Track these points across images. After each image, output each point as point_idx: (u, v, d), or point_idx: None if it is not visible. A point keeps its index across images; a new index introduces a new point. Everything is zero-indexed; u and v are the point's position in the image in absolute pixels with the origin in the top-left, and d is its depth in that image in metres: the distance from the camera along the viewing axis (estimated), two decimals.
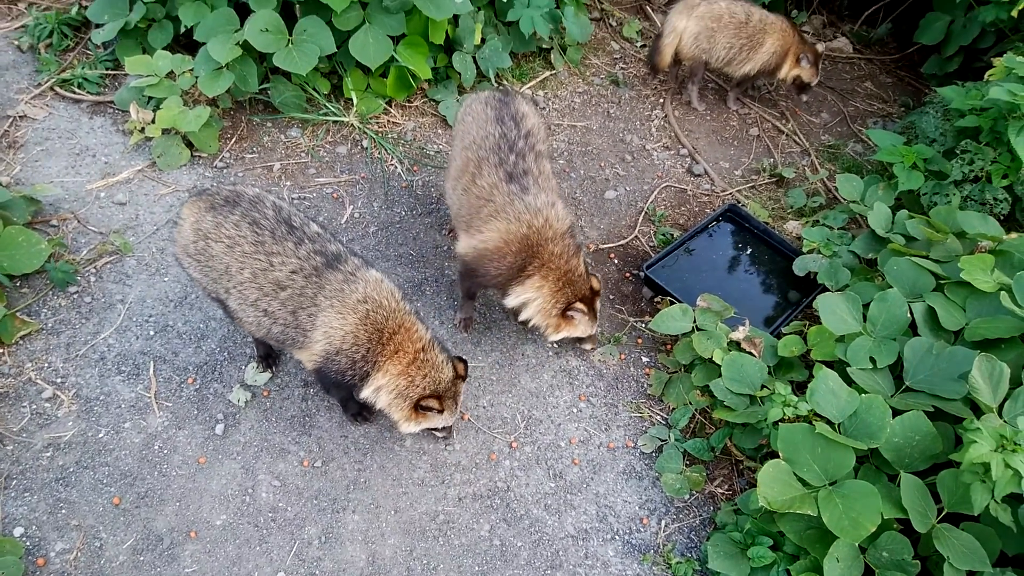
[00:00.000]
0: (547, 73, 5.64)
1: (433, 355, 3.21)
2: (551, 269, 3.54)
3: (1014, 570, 2.89)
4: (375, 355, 3.11)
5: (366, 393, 3.19)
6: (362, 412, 3.65)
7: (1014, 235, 4.02)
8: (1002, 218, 4.40)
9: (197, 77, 4.65)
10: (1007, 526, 2.89)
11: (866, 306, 3.71)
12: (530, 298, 3.60)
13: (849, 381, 3.44)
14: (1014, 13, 4.76)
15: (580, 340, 3.93)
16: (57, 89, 4.93)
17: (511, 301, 3.65)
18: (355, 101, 4.98)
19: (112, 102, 4.90)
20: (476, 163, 3.59)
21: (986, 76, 4.69)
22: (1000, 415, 3.08)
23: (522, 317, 3.69)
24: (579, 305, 3.60)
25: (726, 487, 3.66)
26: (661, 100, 5.65)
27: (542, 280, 3.55)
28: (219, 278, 3.14)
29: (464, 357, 3.36)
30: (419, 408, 3.19)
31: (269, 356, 3.81)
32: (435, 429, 3.41)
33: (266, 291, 3.07)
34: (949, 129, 4.78)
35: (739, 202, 4.93)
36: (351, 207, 4.60)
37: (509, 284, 3.59)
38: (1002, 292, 3.42)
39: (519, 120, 3.71)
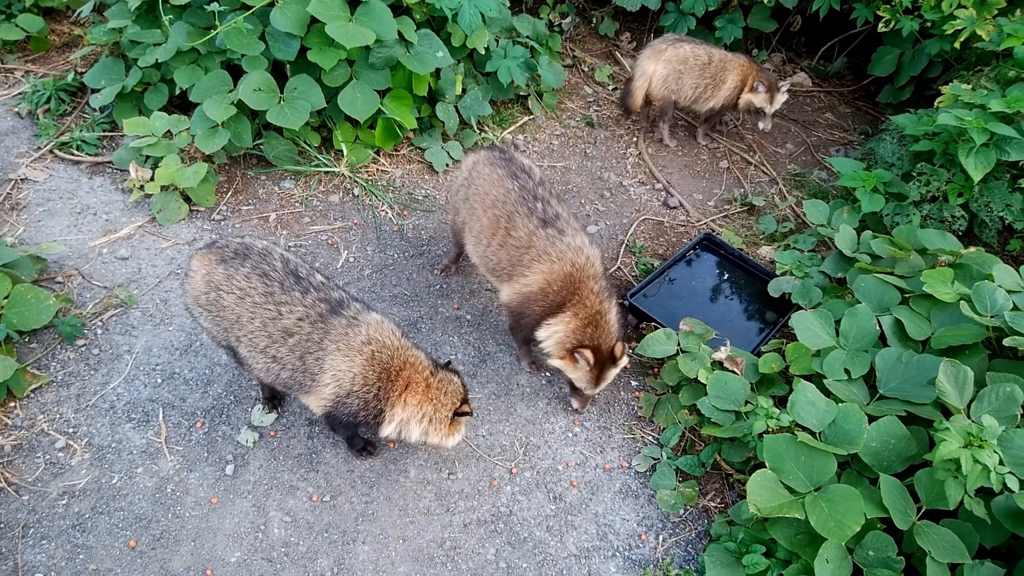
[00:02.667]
0: (525, 118, 5.93)
1: (440, 375, 3.42)
2: (584, 307, 3.64)
3: (993, 561, 3.07)
4: (386, 392, 3.30)
5: (388, 430, 3.37)
6: (366, 448, 3.80)
7: (972, 249, 4.30)
8: (960, 233, 4.71)
9: (194, 136, 4.87)
10: (983, 520, 3.08)
11: (838, 322, 3.96)
12: (556, 330, 3.69)
13: (827, 392, 3.66)
14: (957, 44, 5.14)
15: (572, 388, 3.93)
16: (56, 152, 5.13)
17: (541, 333, 3.75)
18: (345, 152, 5.22)
19: (111, 162, 5.11)
20: (507, 218, 3.76)
21: (936, 103, 5.05)
22: (968, 415, 3.30)
23: (541, 345, 3.79)
24: (587, 353, 3.61)
25: (718, 500, 3.82)
26: (634, 139, 5.95)
27: (572, 316, 3.65)
28: (230, 327, 3.30)
29: (450, 360, 3.67)
30: (455, 419, 3.44)
31: (274, 398, 3.95)
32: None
33: (275, 338, 3.24)
34: (905, 154, 5.11)
35: (713, 231, 5.19)
36: (346, 252, 4.80)
37: (545, 318, 3.70)
38: (962, 302, 3.68)
39: (529, 171, 3.93)
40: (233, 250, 3.32)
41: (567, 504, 3.75)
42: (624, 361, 3.79)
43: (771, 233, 5.19)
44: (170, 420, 3.88)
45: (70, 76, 5.51)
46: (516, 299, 3.79)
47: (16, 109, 5.37)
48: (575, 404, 4.02)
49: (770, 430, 3.50)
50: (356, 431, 3.64)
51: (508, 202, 3.79)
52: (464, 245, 4.18)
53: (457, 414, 3.43)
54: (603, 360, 3.68)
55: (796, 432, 3.37)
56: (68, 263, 4.50)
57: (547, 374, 4.28)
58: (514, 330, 4.05)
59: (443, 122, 5.45)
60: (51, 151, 5.14)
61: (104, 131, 5.32)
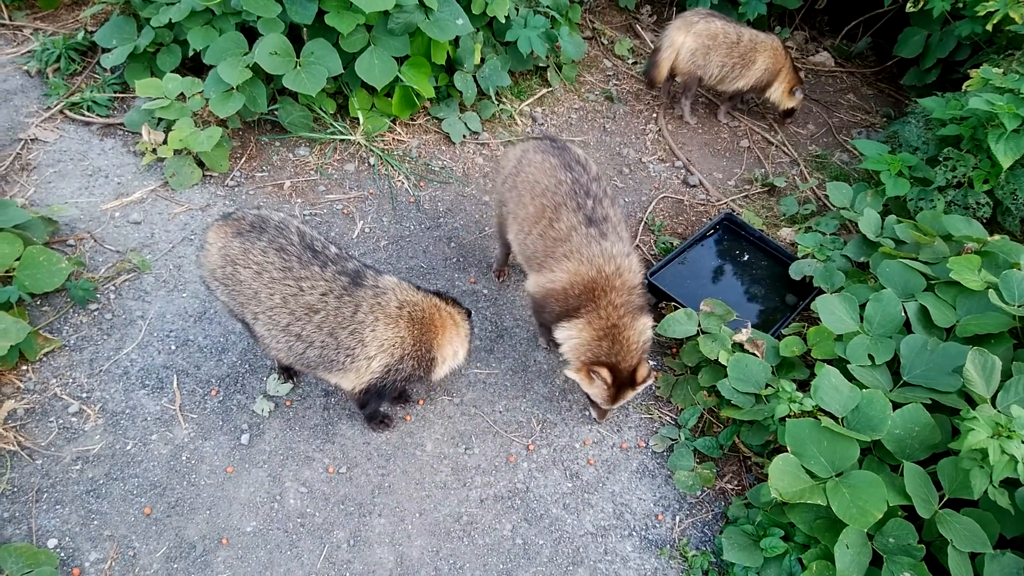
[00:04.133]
0: (544, 90, 5.82)
1: (448, 305, 3.48)
2: (599, 317, 3.44)
3: (1013, 551, 3.06)
4: (430, 341, 3.36)
5: (442, 371, 3.52)
6: (384, 420, 3.78)
7: (997, 237, 4.24)
8: (984, 221, 4.64)
9: (208, 99, 4.76)
10: (1005, 510, 3.06)
11: (862, 307, 3.91)
12: (570, 335, 3.53)
13: (849, 377, 3.62)
14: (989, 27, 5.02)
15: (590, 400, 3.74)
16: (67, 112, 5.03)
17: (557, 334, 3.61)
18: (361, 120, 5.12)
19: (122, 124, 5.00)
20: (553, 208, 3.58)
21: (964, 87, 4.95)
22: (994, 405, 3.27)
23: (560, 349, 3.64)
24: (604, 373, 3.42)
25: (735, 483, 3.80)
26: (654, 115, 5.85)
27: (586, 324, 3.46)
28: (247, 303, 3.22)
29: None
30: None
31: (290, 368, 3.91)
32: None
33: (298, 315, 3.16)
34: (931, 138, 5.02)
35: (734, 211, 5.12)
36: (361, 222, 4.73)
37: (561, 320, 3.57)
38: (990, 290, 3.62)
39: (585, 165, 3.74)
40: (250, 223, 3.23)
41: (584, 482, 3.73)
42: (648, 383, 3.56)
43: (792, 215, 5.12)
44: (184, 387, 3.84)
45: (80, 35, 5.38)
46: (539, 292, 3.67)
47: (25, 68, 5.25)
48: (593, 414, 3.91)
49: (792, 414, 3.47)
50: (382, 403, 3.60)
51: (558, 193, 3.59)
52: (508, 235, 3.98)
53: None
54: (621, 380, 3.47)
55: (819, 416, 3.34)
56: (80, 226, 4.43)
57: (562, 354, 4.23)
58: (536, 314, 3.95)
59: (461, 92, 5.34)
60: (61, 111, 5.04)
61: (115, 92, 5.21)
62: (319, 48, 4.74)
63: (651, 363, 4.27)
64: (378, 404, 3.59)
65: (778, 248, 4.77)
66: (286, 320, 3.17)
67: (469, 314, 3.61)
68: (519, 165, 3.84)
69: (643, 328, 3.54)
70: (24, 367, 3.81)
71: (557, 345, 3.67)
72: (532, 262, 3.71)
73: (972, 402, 3.38)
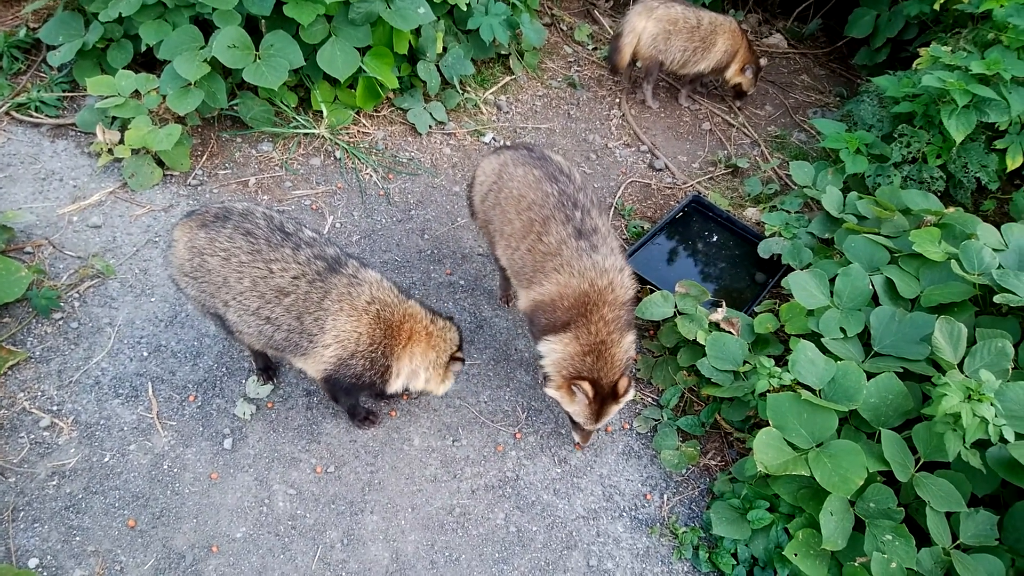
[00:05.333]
0: (507, 78, 5.81)
1: (439, 323, 3.41)
2: (588, 332, 3.33)
3: (985, 508, 3.22)
4: (391, 347, 3.26)
5: (397, 385, 3.35)
6: (368, 417, 3.74)
7: (952, 209, 4.41)
8: (938, 195, 4.82)
9: (164, 96, 4.61)
10: (976, 470, 3.21)
11: (831, 281, 4.03)
12: (554, 349, 3.42)
13: (824, 351, 3.73)
14: (936, 6, 5.20)
15: (572, 422, 3.63)
16: (13, 114, 4.81)
17: (540, 347, 3.49)
18: (325, 113, 5.03)
19: (74, 124, 4.81)
20: (541, 222, 3.45)
21: (914, 65, 5.11)
22: (961, 370, 3.42)
23: (541, 362, 3.51)
24: (585, 385, 3.28)
25: (718, 459, 3.90)
26: (617, 100, 5.90)
27: (573, 339, 3.35)
28: (217, 291, 3.17)
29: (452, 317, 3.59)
30: (449, 365, 3.43)
31: (268, 368, 3.84)
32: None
33: (268, 298, 3.13)
34: (885, 115, 5.18)
35: (700, 193, 5.20)
36: (331, 217, 4.66)
37: (546, 333, 3.45)
38: (952, 261, 3.78)
39: (570, 175, 3.63)
40: (213, 214, 3.20)
41: (572, 467, 3.77)
42: (629, 396, 3.43)
43: (756, 195, 5.23)
44: (160, 394, 3.74)
45: (22, 32, 5.14)
46: (529, 306, 3.55)
47: None
48: (576, 438, 3.72)
49: (772, 389, 3.56)
50: (358, 398, 3.57)
51: (545, 206, 3.47)
52: (496, 252, 3.84)
53: (452, 359, 3.44)
54: (603, 395, 3.35)
55: (797, 390, 3.44)
56: (36, 232, 4.25)
57: None
58: (531, 330, 3.76)
59: (424, 82, 5.29)
60: (7, 113, 4.81)
61: (64, 91, 5.00)
62: (278, 40, 4.63)
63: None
64: (351, 400, 3.56)
65: (745, 228, 4.87)
66: (256, 304, 3.14)
67: (462, 360, 3.50)
68: (500, 180, 3.69)
69: (628, 346, 3.47)
70: None
71: (538, 359, 3.55)
72: (521, 278, 3.59)
73: (940, 369, 3.52)
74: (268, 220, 3.20)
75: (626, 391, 3.39)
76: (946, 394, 3.11)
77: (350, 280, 3.19)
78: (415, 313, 3.35)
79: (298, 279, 3.11)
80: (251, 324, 3.20)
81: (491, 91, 5.70)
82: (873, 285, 3.96)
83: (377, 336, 3.21)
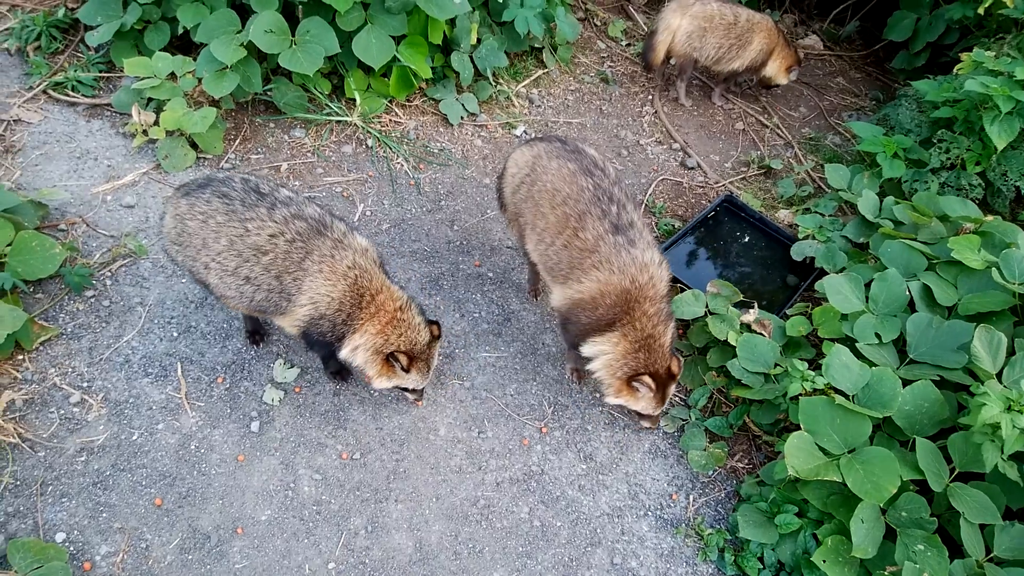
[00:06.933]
0: (540, 72, 5.78)
1: (410, 315, 3.35)
2: (635, 329, 3.36)
3: (1021, 522, 3.15)
4: (355, 318, 3.26)
5: (344, 353, 3.34)
6: (341, 371, 3.79)
7: (991, 218, 4.33)
8: (975, 202, 4.73)
9: (200, 78, 4.63)
10: (1012, 482, 3.14)
11: (866, 286, 3.97)
12: (603, 350, 3.43)
13: (858, 356, 3.67)
14: (981, 10, 5.10)
15: (640, 415, 3.69)
16: (50, 92, 4.84)
17: (586, 350, 3.48)
18: (358, 101, 5.02)
19: (110, 105, 4.84)
20: (577, 217, 3.41)
21: (955, 70, 5.02)
22: (999, 380, 3.35)
23: (590, 367, 3.52)
24: (647, 379, 3.35)
25: (746, 461, 3.85)
26: (650, 97, 5.84)
27: (621, 337, 3.37)
28: (197, 254, 3.24)
29: (437, 321, 3.48)
30: (388, 361, 3.31)
31: (256, 332, 3.90)
32: (405, 389, 3.53)
33: (246, 257, 3.17)
34: (924, 120, 5.10)
35: (732, 193, 5.15)
36: (362, 205, 4.65)
37: (591, 334, 3.44)
38: (992, 269, 3.70)
39: (604, 168, 3.59)
40: (196, 184, 3.30)
41: (598, 463, 3.74)
42: (681, 371, 3.54)
43: (789, 196, 5.17)
44: (189, 375, 3.75)
45: (61, 12, 5.16)
46: (565, 304, 3.53)
47: (5, 45, 5.03)
48: (646, 424, 3.77)
49: (804, 392, 3.51)
50: (332, 351, 3.47)
51: (581, 201, 3.43)
52: (527, 246, 3.80)
53: (389, 356, 3.30)
54: (662, 381, 3.43)
55: (830, 394, 3.38)
56: (71, 210, 4.28)
57: None
58: (564, 332, 3.78)
59: (458, 73, 5.26)
60: (44, 91, 4.84)
61: (100, 71, 5.02)
62: (315, 26, 4.63)
63: None
64: (323, 351, 3.56)
65: (778, 229, 4.81)
66: (234, 263, 3.19)
67: (399, 363, 3.30)
68: (533, 173, 3.65)
69: (672, 333, 3.53)
70: (20, 356, 3.68)
71: (586, 361, 3.55)
72: (556, 274, 3.56)
73: (977, 378, 3.45)
74: (244, 183, 3.27)
75: (680, 368, 3.52)
76: (986, 403, 3.04)
77: (335, 244, 3.22)
78: (391, 289, 3.34)
79: (275, 237, 3.15)
80: (232, 286, 3.25)
81: (523, 84, 5.67)
82: (909, 291, 3.90)
83: (346, 303, 3.23)
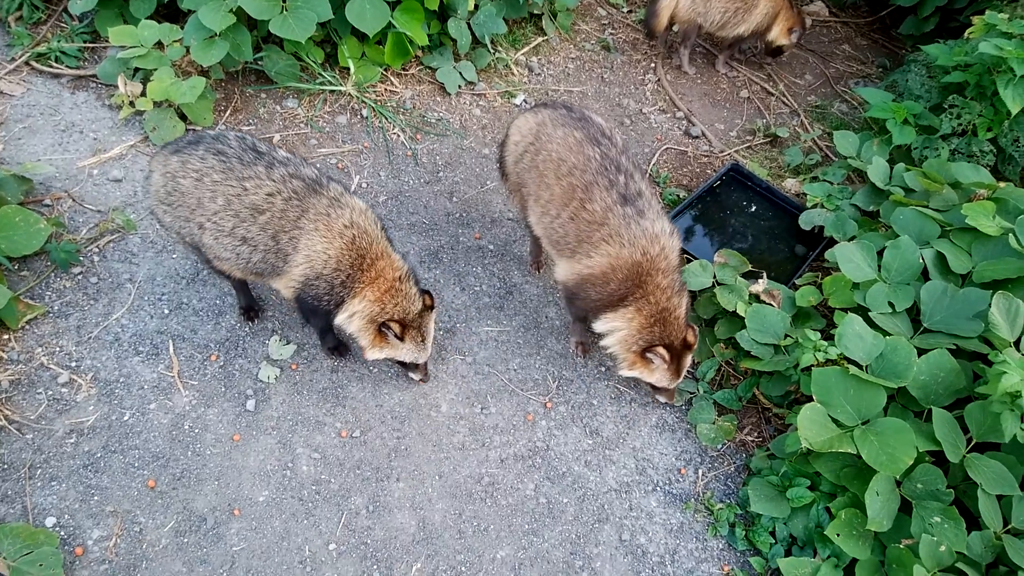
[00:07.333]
0: (540, 39, 5.60)
1: (408, 286, 3.25)
2: (649, 303, 3.27)
3: None
4: (354, 281, 3.15)
5: (340, 319, 3.23)
6: (338, 347, 3.68)
7: (1003, 184, 4.21)
8: (987, 169, 4.61)
9: (188, 47, 4.46)
10: None
11: (878, 254, 3.85)
12: (617, 327, 3.35)
13: (871, 325, 3.57)
14: None
15: (655, 388, 3.61)
16: (33, 64, 4.66)
17: (599, 326, 3.41)
18: (352, 69, 4.86)
19: (95, 76, 4.66)
20: (584, 188, 3.28)
21: (966, 34, 4.87)
22: (1017, 348, 3.25)
23: (604, 343, 3.46)
24: (661, 350, 3.27)
25: (755, 434, 3.76)
26: (652, 65, 5.68)
27: (635, 312, 3.29)
28: (191, 214, 3.12)
29: (429, 290, 3.35)
30: (381, 331, 3.21)
31: (251, 308, 3.79)
32: (403, 364, 3.43)
33: (243, 216, 3.06)
34: (934, 86, 4.96)
35: (738, 162, 5.01)
36: (358, 177, 4.51)
37: (603, 310, 3.35)
38: (1009, 235, 3.59)
39: (611, 137, 3.45)
40: (186, 140, 3.17)
41: (604, 438, 3.64)
42: (696, 341, 3.44)
43: (796, 165, 5.03)
44: (181, 353, 3.63)
45: None
46: (573, 279, 3.42)
47: None
48: (662, 399, 3.71)
49: (817, 363, 3.41)
50: (327, 322, 3.38)
51: (588, 171, 3.28)
52: (530, 219, 3.67)
53: (381, 326, 3.19)
54: (677, 352, 3.35)
55: (844, 364, 3.28)
56: (56, 185, 4.13)
57: None
58: (568, 305, 3.68)
59: (455, 40, 5.09)
60: (27, 63, 4.66)
61: (85, 42, 4.84)
62: None
63: None
64: (320, 323, 3.46)
65: (785, 198, 4.69)
66: (231, 223, 3.08)
67: (405, 326, 3.23)
68: (538, 141, 3.49)
69: (687, 304, 3.44)
70: (5, 336, 3.55)
71: (598, 338, 3.46)
72: (562, 247, 3.44)
73: (993, 347, 3.36)
74: (240, 141, 3.15)
75: (696, 338, 3.42)
76: (1006, 372, 2.95)
77: (331, 202, 3.11)
78: (392, 256, 3.23)
79: (273, 196, 3.05)
80: (227, 246, 3.13)
81: (523, 52, 5.50)
82: (923, 259, 3.79)
83: (344, 262, 3.11)
